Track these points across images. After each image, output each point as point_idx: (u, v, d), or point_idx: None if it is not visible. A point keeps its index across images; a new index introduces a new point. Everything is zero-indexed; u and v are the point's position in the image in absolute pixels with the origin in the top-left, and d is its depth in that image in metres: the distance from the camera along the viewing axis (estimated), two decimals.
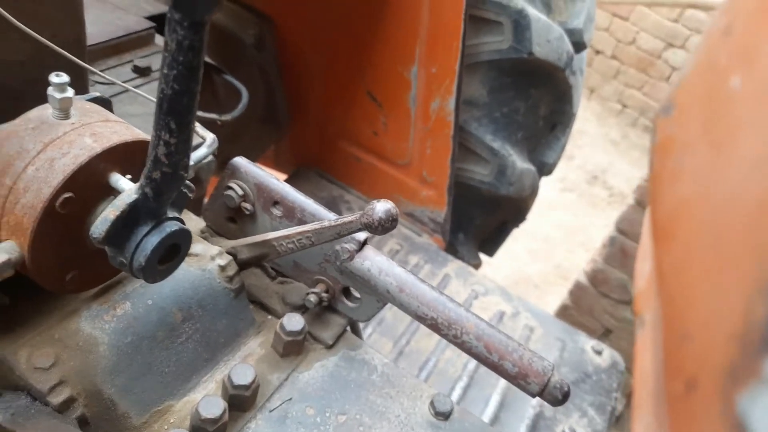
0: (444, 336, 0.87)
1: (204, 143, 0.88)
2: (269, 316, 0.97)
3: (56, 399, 0.66)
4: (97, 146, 0.62)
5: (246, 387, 0.79)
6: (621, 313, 3.62)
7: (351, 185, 2.06)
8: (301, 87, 1.94)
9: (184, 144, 0.56)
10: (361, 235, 0.90)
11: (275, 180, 0.93)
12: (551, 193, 5.50)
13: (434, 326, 0.87)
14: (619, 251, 3.41)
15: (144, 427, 0.77)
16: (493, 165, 2.07)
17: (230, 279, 0.86)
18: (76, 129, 0.63)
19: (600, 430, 1.67)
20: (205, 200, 1.01)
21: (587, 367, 1.89)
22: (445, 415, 0.91)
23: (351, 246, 0.89)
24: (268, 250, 0.86)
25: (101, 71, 1.03)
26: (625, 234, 3.32)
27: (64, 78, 0.61)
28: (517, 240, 4.36)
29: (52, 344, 0.71)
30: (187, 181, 0.69)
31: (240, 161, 0.94)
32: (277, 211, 0.94)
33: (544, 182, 2.49)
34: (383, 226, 0.72)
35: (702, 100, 0.27)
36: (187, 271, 0.82)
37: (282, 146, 2.07)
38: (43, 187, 0.60)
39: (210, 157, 0.97)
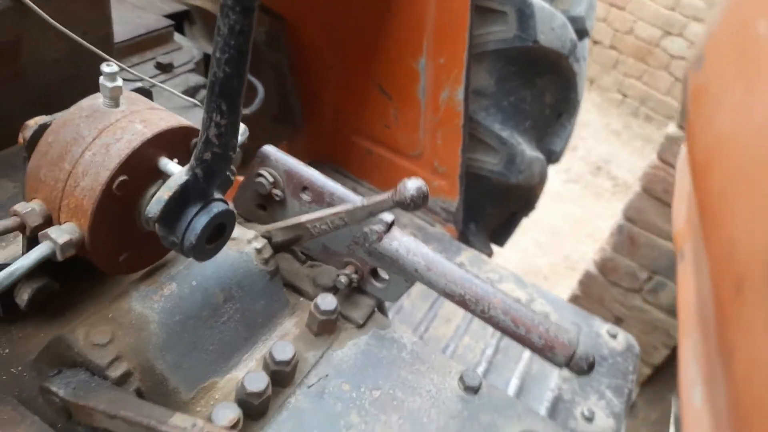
0: (472, 311, 0.91)
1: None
2: (301, 298, 1.01)
3: (114, 373, 0.70)
4: (147, 131, 0.66)
5: (287, 363, 0.83)
6: (631, 301, 3.65)
7: (364, 178, 2.10)
8: (313, 84, 1.98)
9: (233, 125, 0.60)
10: (388, 217, 0.94)
11: (304, 166, 0.97)
12: (556, 185, 5.53)
13: (462, 302, 0.90)
14: (627, 239, 3.44)
15: (192, 402, 0.81)
16: (502, 154, 2.11)
17: (266, 261, 0.90)
18: (126, 116, 0.67)
19: (618, 412, 1.71)
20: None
21: (603, 351, 1.92)
22: (474, 390, 0.94)
23: (379, 227, 0.93)
24: (301, 232, 0.90)
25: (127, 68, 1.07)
26: (632, 222, 3.35)
27: (114, 68, 0.65)
28: (525, 232, 4.39)
29: (107, 323, 0.74)
30: (232, 167, 0.73)
31: (269, 149, 0.97)
32: (306, 196, 0.97)
33: (549, 175, 2.53)
34: (415, 203, 0.75)
35: (731, 48, 0.31)
36: (226, 254, 0.86)
37: (296, 143, 2.11)
38: (101, 170, 0.64)
39: (238, 151, 1.01)
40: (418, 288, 1.94)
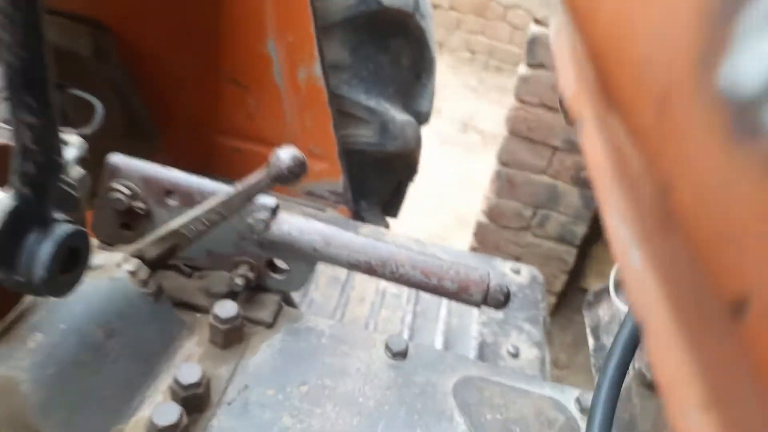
0: (381, 276, 0.87)
1: (71, 144, 0.79)
2: (198, 315, 0.91)
3: None
4: None
5: (197, 384, 0.74)
6: (523, 239, 3.84)
7: (240, 180, 1.98)
8: (160, 92, 1.82)
9: (50, 124, 0.50)
10: (270, 201, 0.87)
11: (162, 168, 0.87)
12: (431, 150, 5.67)
13: (369, 269, 0.86)
14: (507, 183, 3.60)
15: None
16: (374, 124, 2.09)
17: (144, 283, 0.79)
18: None
19: (539, 341, 1.77)
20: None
21: (511, 288, 1.98)
22: (402, 354, 0.91)
23: (263, 214, 0.86)
24: (176, 240, 0.80)
25: None
26: (507, 165, 3.51)
27: None
28: (412, 200, 4.47)
29: None
30: (68, 179, 0.62)
31: (117, 158, 0.86)
32: (172, 201, 0.87)
33: (423, 140, 2.56)
34: (293, 173, 0.69)
35: None
36: (95, 285, 0.74)
37: (158, 158, 1.94)
38: None
39: (81, 171, 0.88)
40: (324, 277, 1.88)
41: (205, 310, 0.91)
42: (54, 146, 0.51)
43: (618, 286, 1.35)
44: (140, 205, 0.85)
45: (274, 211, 0.87)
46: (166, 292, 0.85)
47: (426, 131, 2.50)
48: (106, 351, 0.73)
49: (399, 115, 2.14)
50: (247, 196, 0.75)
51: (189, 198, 0.85)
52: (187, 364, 0.74)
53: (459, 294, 0.84)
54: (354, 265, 0.86)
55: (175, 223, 0.78)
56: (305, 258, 0.89)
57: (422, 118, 2.40)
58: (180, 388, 0.73)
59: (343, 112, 2.03)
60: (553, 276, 3.93)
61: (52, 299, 0.71)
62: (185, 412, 0.70)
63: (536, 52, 2.97)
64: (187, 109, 1.91)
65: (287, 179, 0.70)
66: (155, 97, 1.88)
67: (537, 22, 2.94)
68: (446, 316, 1.81)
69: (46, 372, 0.66)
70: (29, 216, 0.55)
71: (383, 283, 1.95)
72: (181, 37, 1.71)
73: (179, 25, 1.70)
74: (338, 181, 1.99)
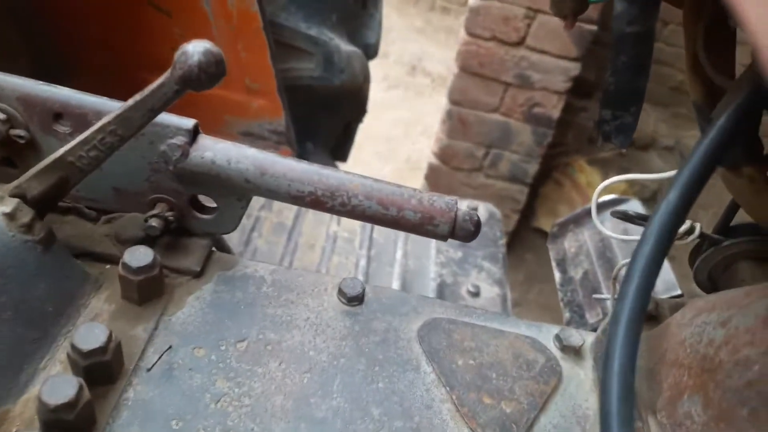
0: (330, 209, 0.73)
1: None
2: (108, 266, 0.75)
3: None
4: None
5: (102, 350, 0.59)
6: (476, 180, 3.76)
7: None
8: (68, 22, 1.57)
9: None
10: (187, 122, 0.71)
11: (47, 86, 0.69)
12: (379, 94, 5.47)
13: (315, 201, 0.72)
14: (458, 122, 3.47)
15: None
16: (317, 56, 1.90)
17: (28, 228, 0.62)
18: None
19: (499, 278, 1.69)
20: None
21: None
22: (358, 299, 0.78)
23: (180, 140, 0.69)
24: (64, 171, 0.63)
25: None
26: (458, 104, 3.38)
27: None
28: (362, 147, 4.30)
29: None
30: None
31: None
32: (63, 127, 0.69)
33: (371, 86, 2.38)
34: (207, 73, 0.53)
35: None
36: None
37: None
38: None
39: None
40: (268, 223, 1.73)
41: (115, 260, 0.75)
42: None
43: (600, 209, 1.25)
44: (20, 132, 0.67)
45: (194, 134, 0.70)
46: (62, 240, 0.69)
47: (373, 74, 2.33)
48: None
49: (344, 46, 1.95)
50: (150, 108, 0.59)
51: (83, 121, 0.68)
52: (87, 324, 0.58)
53: (422, 226, 0.72)
54: (296, 198, 0.71)
55: (61, 151, 0.61)
56: (236, 192, 0.74)
57: (371, 50, 2.22)
58: (79, 356, 0.58)
59: (281, 43, 1.83)
60: (505, 216, 3.89)
61: None
62: (86, 384, 0.55)
63: None
64: (101, 42, 1.67)
65: (199, 82, 0.54)
66: (62, 28, 1.63)
67: None
68: (402, 259, 1.71)
69: None
70: None
71: (334, 227, 1.82)
72: None
73: None
74: (279, 119, 1.81)
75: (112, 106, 0.68)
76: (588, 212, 1.34)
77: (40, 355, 0.63)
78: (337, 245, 1.73)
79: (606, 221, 1.33)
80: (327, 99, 2.08)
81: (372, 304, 0.79)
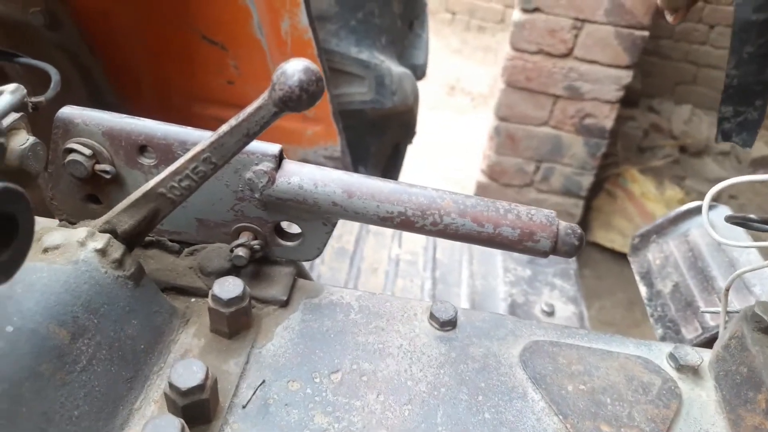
0: (420, 229, 0.69)
1: (5, 91, 0.60)
2: (193, 299, 0.73)
3: None
4: None
5: (200, 387, 0.56)
6: (527, 195, 3.68)
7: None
8: (123, 57, 1.61)
9: None
10: (273, 148, 0.69)
11: (131, 119, 0.68)
12: (421, 115, 5.47)
13: (405, 222, 0.68)
14: (507, 138, 3.41)
15: None
16: (368, 79, 1.89)
17: (119, 263, 0.61)
18: None
19: (573, 295, 1.61)
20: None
21: None
22: (452, 323, 0.74)
23: (266, 166, 0.67)
24: (156, 204, 0.61)
25: None
26: (506, 120, 3.32)
27: None
28: (407, 167, 4.29)
29: None
30: None
31: (70, 111, 0.67)
32: (148, 160, 0.68)
33: None
34: (308, 92, 0.51)
35: None
36: (51, 272, 0.56)
37: None
38: None
39: (32, 139, 0.69)
40: (328, 249, 1.70)
41: (200, 293, 0.73)
42: None
43: (679, 220, 1.18)
44: (105, 167, 0.67)
45: (279, 159, 0.68)
46: (149, 275, 0.67)
47: (425, 76, 2.32)
48: (73, 356, 0.54)
49: (395, 68, 1.94)
50: (245, 133, 0.57)
51: (168, 153, 0.67)
52: (185, 361, 0.56)
53: (521, 242, 0.67)
54: (385, 219, 0.68)
55: (151, 183, 0.60)
56: (322, 216, 0.71)
57: (419, 71, 2.21)
58: (177, 395, 0.55)
59: (333, 69, 1.83)
60: None
61: None
62: (187, 425, 0.53)
63: None
64: (155, 75, 1.70)
65: (299, 102, 0.51)
66: (117, 64, 1.67)
67: None
68: (469, 279, 1.65)
69: None
70: None
71: (395, 250, 1.78)
72: None
73: None
74: (335, 144, 1.80)
75: (196, 135, 0.67)
76: (671, 221, 1.26)
77: (134, 395, 0.60)
78: (400, 268, 1.69)
79: (691, 230, 1.25)
80: (378, 121, 2.07)
81: (466, 329, 0.74)
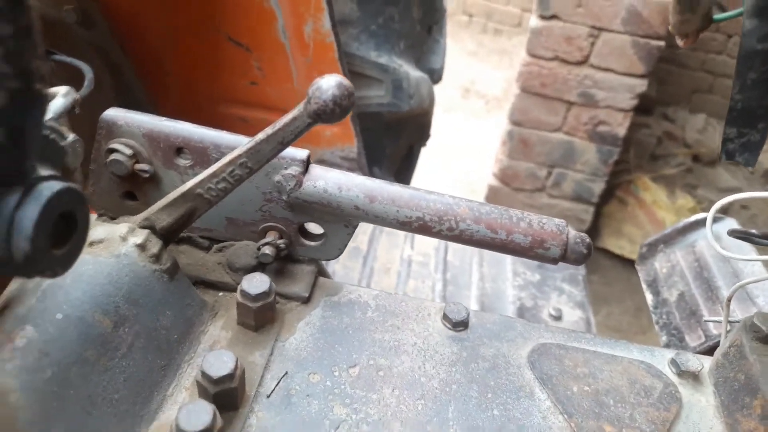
0: (437, 234, 0.73)
1: (58, 93, 0.65)
2: (220, 293, 0.78)
3: None
4: None
5: (231, 377, 0.60)
6: (538, 200, 3.70)
7: None
8: (151, 56, 1.66)
9: (28, 35, 0.36)
10: (301, 153, 0.73)
11: (169, 121, 0.72)
12: (435, 117, 5.49)
13: (423, 226, 0.72)
14: (520, 143, 3.44)
15: None
16: (387, 83, 1.93)
17: (156, 258, 0.65)
18: None
19: (581, 300, 1.64)
20: None
21: None
22: (464, 324, 0.78)
23: (294, 170, 0.72)
24: (193, 203, 0.66)
25: None
26: (520, 124, 3.35)
27: None
28: (420, 169, 4.34)
29: None
30: (52, 123, 0.48)
31: (114, 113, 0.71)
32: (184, 161, 0.73)
33: None
34: (341, 106, 0.55)
35: None
36: (96, 264, 0.61)
37: None
38: None
39: (72, 137, 0.74)
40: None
41: (228, 288, 0.77)
42: (34, 68, 0.37)
43: (687, 231, 1.21)
44: (144, 167, 0.71)
45: (306, 164, 0.72)
46: (181, 269, 0.72)
47: (441, 80, 2.35)
48: (115, 343, 0.59)
49: (412, 72, 1.98)
50: (280, 141, 0.61)
51: (203, 155, 0.71)
52: (216, 352, 0.60)
53: (532, 249, 0.71)
54: (404, 223, 0.72)
55: (190, 184, 0.64)
56: (344, 219, 0.75)
57: (435, 75, 2.25)
58: (210, 383, 0.60)
59: (353, 72, 1.87)
60: None
61: (44, 282, 0.57)
62: (218, 411, 0.57)
63: (549, 2, 2.79)
64: (182, 75, 1.75)
65: (333, 115, 0.56)
66: (147, 64, 1.72)
67: None
68: (479, 282, 1.69)
69: (40, 376, 0.52)
70: (4, 170, 0.40)
71: (408, 251, 1.82)
72: None
73: None
74: (351, 146, 1.84)
75: (229, 139, 0.71)
76: (679, 231, 1.29)
77: (167, 381, 0.65)
78: (412, 269, 1.73)
79: (698, 240, 1.28)
80: (394, 124, 2.11)
81: (477, 330, 0.78)
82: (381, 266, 1.73)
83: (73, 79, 1.33)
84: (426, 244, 1.82)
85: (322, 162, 1.92)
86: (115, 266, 0.61)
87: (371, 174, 2.17)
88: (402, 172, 2.63)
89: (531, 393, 0.71)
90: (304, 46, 1.61)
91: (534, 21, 2.92)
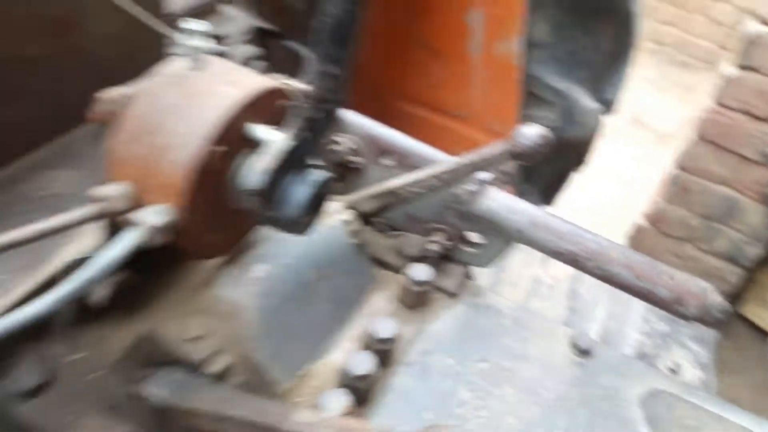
0: (582, 268, 0.83)
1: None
2: (383, 271, 0.94)
3: (215, 368, 0.64)
4: (239, 94, 0.59)
5: (390, 340, 0.76)
6: (683, 250, 3.51)
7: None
8: (357, 52, 1.89)
9: (344, 76, 0.53)
10: (485, 175, 0.86)
11: (382, 128, 0.89)
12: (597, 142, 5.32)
13: (573, 259, 0.82)
14: (680, 188, 3.29)
15: (289, 393, 0.75)
16: (558, 107, 1.99)
17: (355, 234, 0.83)
18: (212, 79, 0.60)
19: (705, 362, 1.62)
20: None
21: None
22: (587, 353, 0.87)
23: (474, 187, 0.85)
24: (391, 199, 0.82)
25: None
26: (686, 170, 3.20)
27: (197, 24, 0.57)
28: (570, 190, 4.28)
29: (198, 314, 0.69)
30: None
31: (347, 113, 0.90)
32: (387, 161, 0.90)
33: None
34: (540, 153, 0.67)
35: None
36: (316, 229, 0.79)
37: None
38: (193, 140, 0.57)
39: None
40: None
41: (393, 269, 0.94)
42: (341, 98, 0.54)
43: None
44: (358, 159, 0.89)
45: (483, 185, 0.86)
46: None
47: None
48: (316, 291, 0.78)
49: (586, 101, 2.02)
50: (479, 168, 0.75)
51: (405, 160, 0.87)
52: (383, 318, 0.76)
53: (671, 304, 0.78)
54: (557, 253, 0.83)
55: (395, 183, 0.81)
56: (505, 237, 0.88)
57: (609, 106, 2.25)
58: (374, 341, 0.76)
59: (528, 91, 1.95)
60: None
61: (280, 234, 0.76)
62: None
63: (753, 54, 2.63)
64: (375, 69, 1.95)
65: (531, 158, 0.68)
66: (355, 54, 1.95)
67: (765, 23, 2.60)
68: (604, 319, 1.72)
69: (267, 302, 0.71)
70: (296, 158, 0.58)
71: (539, 271, 1.89)
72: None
73: None
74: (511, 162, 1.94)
75: (429, 152, 0.87)
76: None
77: (338, 331, 0.83)
78: (540, 290, 1.80)
79: None
80: (554, 147, 2.16)
81: (599, 360, 0.87)
82: (508, 279, 1.83)
83: (291, 60, 1.57)
84: (558, 268, 1.88)
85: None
86: (329, 234, 0.80)
87: (520, 190, 2.25)
88: (550, 192, 2.67)
89: (634, 428, 0.79)
90: (490, 62, 1.73)
91: (729, 69, 2.77)
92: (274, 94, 0.64)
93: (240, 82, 0.60)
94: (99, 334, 0.72)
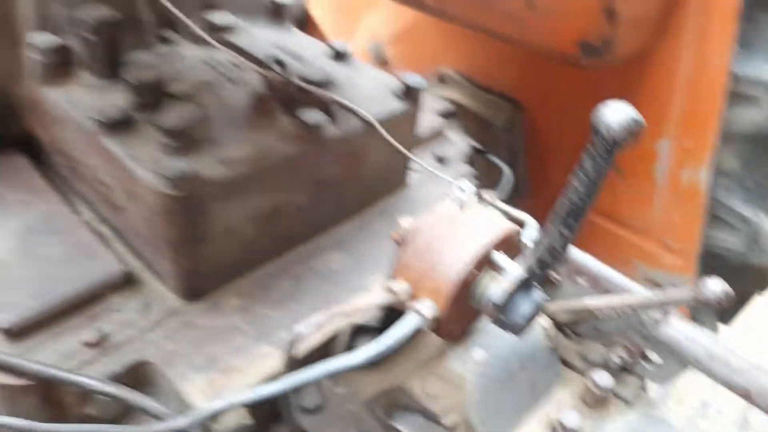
0: (754, 404, 0.94)
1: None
2: (569, 371, 1.12)
3: (447, 421, 0.88)
4: (492, 233, 0.85)
5: (575, 431, 0.94)
6: None
7: (582, 249, 2.15)
8: (542, 161, 2.12)
9: (573, 238, 0.75)
10: (670, 308, 1.02)
11: (579, 252, 1.10)
12: None
13: (746, 395, 0.94)
14: None
15: None
16: (742, 233, 2.02)
17: (550, 337, 1.03)
18: (473, 220, 0.87)
19: None
20: None
21: None
22: None
23: (658, 315, 1.01)
24: (585, 315, 1.02)
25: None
26: None
27: (469, 186, 0.85)
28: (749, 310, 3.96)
29: (434, 377, 0.93)
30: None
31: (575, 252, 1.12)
32: (582, 281, 1.09)
33: None
34: (721, 305, 0.83)
35: None
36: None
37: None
38: (458, 263, 0.83)
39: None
40: None
41: (576, 370, 1.11)
42: (566, 250, 0.76)
43: None
44: (557, 276, 1.10)
45: (667, 313, 1.01)
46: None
47: None
48: (516, 378, 0.99)
49: None
50: (665, 305, 0.92)
51: (596, 283, 1.07)
52: (572, 411, 0.94)
53: None
54: (730, 386, 0.95)
55: (590, 303, 1.00)
56: (681, 362, 1.01)
57: None
58: (561, 427, 0.94)
59: (713, 215, 2.02)
60: None
61: (493, 329, 0.99)
62: None
63: None
64: (559, 180, 2.16)
65: (712, 306, 0.84)
66: (537, 164, 2.18)
67: None
68: None
69: (484, 381, 0.94)
70: (525, 282, 0.82)
71: (709, 396, 1.88)
72: (577, 121, 1.97)
73: (579, 111, 1.95)
74: (686, 279, 1.99)
75: (620, 279, 1.05)
76: None
77: (527, 414, 1.02)
78: (708, 412, 1.80)
79: None
80: (736, 271, 2.16)
81: None
82: (677, 395, 1.84)
83: (490, 171, 1.84)
84: (728, 395, 1.85)
85: (651, 281, 2.11)
86: (531, 335, 1.01)
87: (696, 310, 2.25)
88: (729, 312, 2.59)
89: None
90: (675, 186, 1.85)
91: None
92: (513, 233, 0.89)
93: (492, 224, 0.86)
94: (356, 377, 1.00)
